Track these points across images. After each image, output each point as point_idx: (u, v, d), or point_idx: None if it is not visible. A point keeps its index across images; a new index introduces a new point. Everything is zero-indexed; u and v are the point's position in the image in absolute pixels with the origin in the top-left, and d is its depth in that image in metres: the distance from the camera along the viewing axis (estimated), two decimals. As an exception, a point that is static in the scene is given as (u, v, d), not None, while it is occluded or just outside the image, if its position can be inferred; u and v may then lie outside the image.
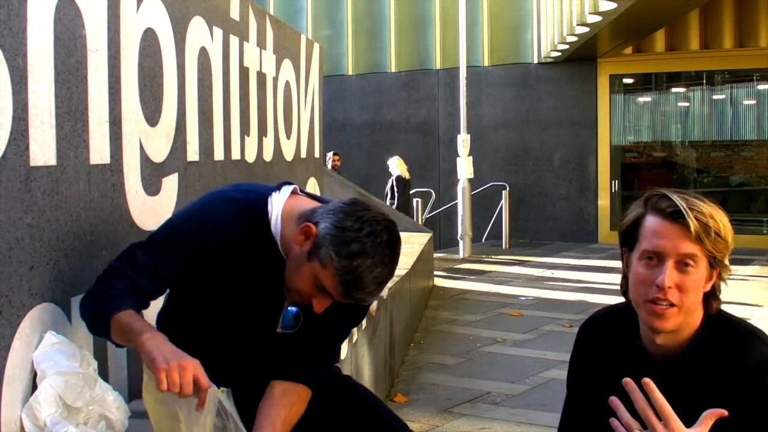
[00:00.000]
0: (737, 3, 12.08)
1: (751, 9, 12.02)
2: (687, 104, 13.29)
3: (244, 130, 3.49)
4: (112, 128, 2.21)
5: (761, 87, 12.80)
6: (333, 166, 11.77)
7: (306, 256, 1.77)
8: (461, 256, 10.98)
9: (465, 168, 10.97)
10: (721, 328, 1.62)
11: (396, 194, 11.28)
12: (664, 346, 1.61)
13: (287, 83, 4.24)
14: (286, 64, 4.21)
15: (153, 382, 1.63)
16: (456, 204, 11.48)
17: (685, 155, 13.28)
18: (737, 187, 13.01)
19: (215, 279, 1.91)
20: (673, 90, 13.46)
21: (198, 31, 2.87)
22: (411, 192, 12.43)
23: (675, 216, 1.54)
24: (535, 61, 13.16)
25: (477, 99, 13.09)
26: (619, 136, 13.25)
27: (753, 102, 12.88)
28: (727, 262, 1.59)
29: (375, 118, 14.17)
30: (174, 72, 2.65)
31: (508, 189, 12.42)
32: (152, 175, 2.48)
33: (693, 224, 1.52)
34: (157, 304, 2.00)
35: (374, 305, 4.32)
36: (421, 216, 12.22)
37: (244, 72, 3.46)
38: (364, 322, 3.99)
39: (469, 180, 11.10)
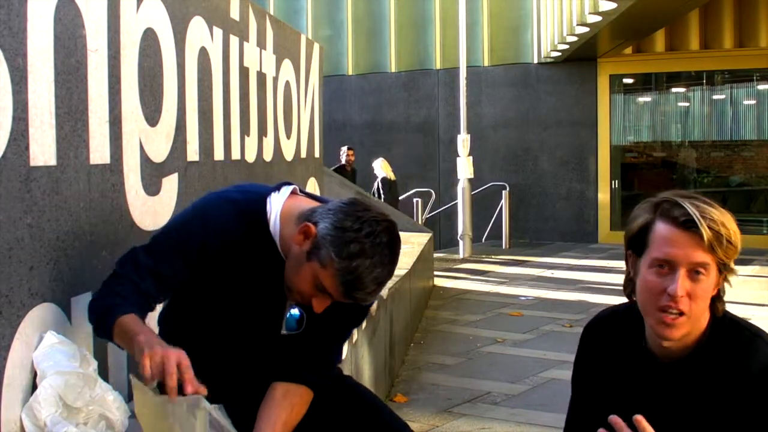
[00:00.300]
0: (737, 3, 12.08)
1: (751, 9, 12.01)
2: (687, 104, 13.29)
3: (244, 130, 3.49)
4: (112, 128, 2.21)
5: (761, 87, 12.80)
6: (347, 161, 11.76)
7: (305, 256, 1.77)
8: (461, 256, 10.98)
9: (465, 168, 10.97)
10: (727, 330, 1.61)
11: (382, 196, 11.30)
12: (669, 348, 1.61)
13: (287, 83, 4.24)
14: (286, 64, 4.22)
15: (144, 395, 1.65)
16: (456, 204, 11.48)
17: (685, 155, 13.27)
18: (737, 187, 13.01)
19: (216, 280, 1.91)
20: (673, 90, 13.46)
21: (198, 31, 2.86)
22: (411, 192, 12.49)
23: (688, 225, 1.52)
24: (535, 61, 13.15)
25: (477, 99, 13.09)
26: (619, 136, 13.25)
27: (753, 102, 12.88)
28: (732, 264, 1.59)
29: (375, 118, 14.17)
30: (174, 72, 2.65)
31: (508, 189, 12.42)
32: (152, 175, 2.48)
33: (706, 234, 1.51)
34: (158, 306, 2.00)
35: (374, 305, 4.32)
36: (421, 216, 12.22)
37: (244, 72, 3.46)
38: (364, 322, 4.00)
39: (469, 180, 11.10)
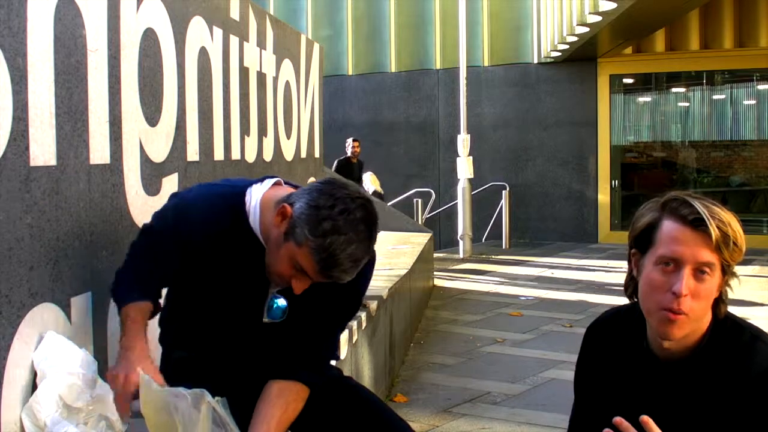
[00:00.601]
0: (737, 3, 12.08)
1: (751, 9, 12.01)
2: (687, 104, 13.29)
3: (244, 130, 3.49)
4: (112, 128, 2.21)
5: (761, 87, 12.80)
6: (353, 152, 11.74)
7: (283, 237, 1.80)
8: (461, 256, 10.98)
9: (465, 168, 10.97)
10: (729, 332, 1.61)
11: None
12: (671, 349, 1.61)
13: (287, 83, 4.24)
14: (286, 64, 4.21)
15: (149, 390, 1.71)
16: (456, 204, 11.48)
17: (685, 155, 13.28)
18: (737, 187, 13.01)
19: (200, 272, 1.94)
20: (673, 90, 13.46)
21: (198, 31, 2.86)
22: (411, 192, 12.59)
23: (696, 223, 1.52)
24: (535, 61, 13.16)
25: (477, 99, 13.09)
26: (619, 136, 13.25)
27: (753, 102, 12.88)
28: (735, 269, 1.58)
29: (375, 118, 14.17)
30: (174, 72, 2.65)
31: (508, 189, 12.42)
32: (152, 175, 2.48)
33: (714, 233, 1.50)
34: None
35: (374, 305, 4.31)
36: (421, 216, 12.22)
37: (244, 72, 3.46)
38: (364, 323, 4.00)
39: (469, 180, 11.10)
